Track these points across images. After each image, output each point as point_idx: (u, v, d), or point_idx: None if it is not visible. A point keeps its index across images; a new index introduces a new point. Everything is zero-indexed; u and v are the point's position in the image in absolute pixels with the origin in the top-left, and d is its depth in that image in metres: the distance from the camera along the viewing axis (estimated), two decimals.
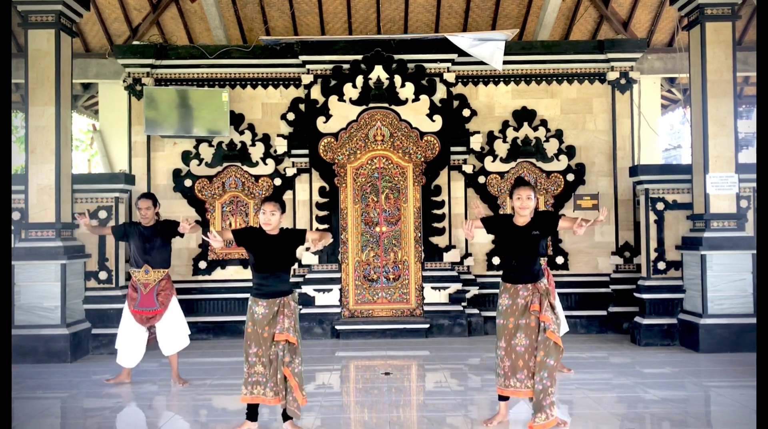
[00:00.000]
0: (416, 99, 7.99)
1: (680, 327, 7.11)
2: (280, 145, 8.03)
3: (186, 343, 5.81)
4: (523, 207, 4.30)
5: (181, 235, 5.75)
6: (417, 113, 7.97)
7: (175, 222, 5.72)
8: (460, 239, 8.09)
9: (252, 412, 4.31)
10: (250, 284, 7.94)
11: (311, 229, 7.98)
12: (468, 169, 8.08)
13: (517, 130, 8.20)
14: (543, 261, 5.64)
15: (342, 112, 7.99)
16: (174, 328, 5.72)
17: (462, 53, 7.94)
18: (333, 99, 8.00)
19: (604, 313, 7.97)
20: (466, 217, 8.10)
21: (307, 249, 7.56)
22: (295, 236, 4.43)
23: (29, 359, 6.52)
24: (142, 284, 5.63)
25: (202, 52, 8.14)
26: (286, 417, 4.26)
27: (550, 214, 4.47)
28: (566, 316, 7.96)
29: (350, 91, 8.01)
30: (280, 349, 4.13)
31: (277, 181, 8.13)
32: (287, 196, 8.14)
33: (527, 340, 4.20)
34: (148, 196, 5.84)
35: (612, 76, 8.15)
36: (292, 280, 7.91)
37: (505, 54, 7.88)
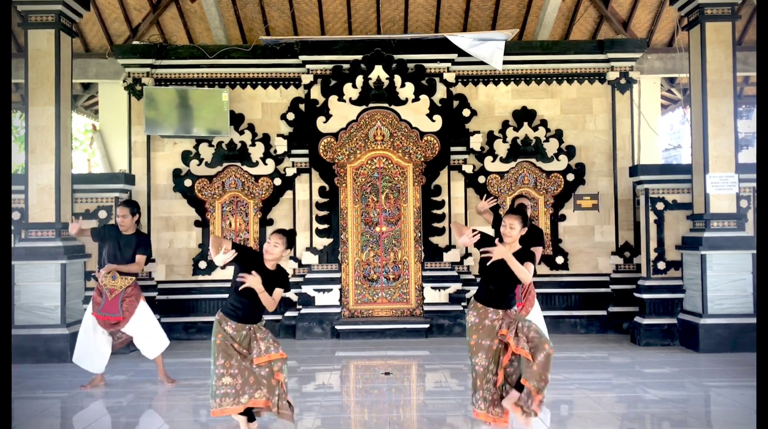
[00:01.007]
0: (416, 99, 7.99)
1: (680, 327, 7.11)
2: (280, 145, 8.03)
3: (165, 343, 5.74)
4: (505, 234, 4.17)
5: (149, 256, 5.73)
6: (417, 113, 7.97)
7: (148, 241, 5.77)
8: None
9: (246, 412, 4.21)
10: None
11: (311, 229, 7.98)
12: (468, 169, 8.08)
13: (517, 130, 8.20)
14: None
15: (342, 112, 7.99)
16: (148, 332, 5.64)
17: (462, 53, 7.93)
18: (333, 99, 8.00)
19: (604, 313, 7.97)
20: (466, 218, 8.10)
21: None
22: (281, 282, 4.22)
23: (29, 359, 6.52)
24: (108, 289, 5.51)
25: (202, 52, 8.13)
26: (252, 418, 4.19)
27: (526, 251, 4.22)
28: (566, 316, 8.01)
29: (350, 91, 8.01)
30: (263, 369, 4.07)
31: (277, 181, 8.13)
32: (287, 195, 8.15)
33: (486, 362, 4.07)
34: (127, 203, 5.74)
35: (612, 76, 8.15)
36: (292, 280, 7.94)
37: (505, 54, 7.88)
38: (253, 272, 4.08)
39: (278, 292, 4.19)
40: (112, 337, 5.65)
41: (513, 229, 4.15)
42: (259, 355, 4.08)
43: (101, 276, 5.53)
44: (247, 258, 4.18)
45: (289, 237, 4.25)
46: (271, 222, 8.09)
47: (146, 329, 5.64)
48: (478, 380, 4.11)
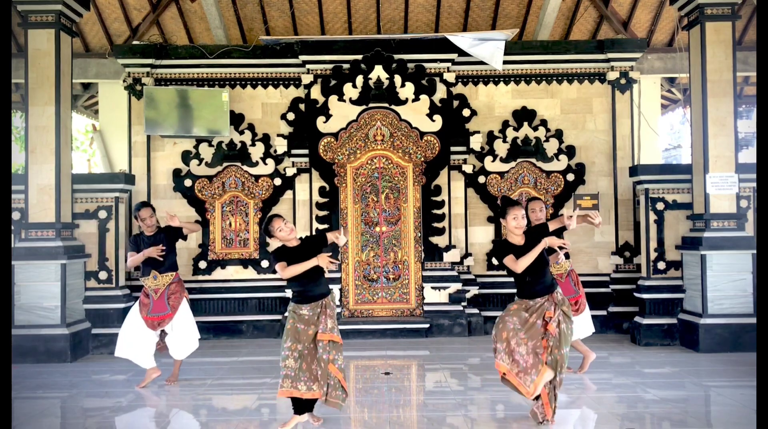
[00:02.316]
0: (416, 99, 7.99)
1: (680, 327, 7.11)
2: (280, 145, 8.03)
3: (195, 346, 5.80)
4: (519, 226, 4.35)
5: (184, 238, 5.76)
6: (417, 113, 7.97)
7: (178, 228, 5.74)
8: (459, 239, 8.09)
9: (298, 406, 4.37)
10: (249, 284, 8.03)
11: (311, 229, 7.98)
12: (468, 169, 8.08)
13: (517, 130, 8.20)
14: (568, 262, 5.73)
15: (342, 112, 7.99)
16: (185, 332, 5.69)
17: (462, 53, 7.93)
18: (333, 99, 8.00)
19: (604, 313, 7.96)
20: (466, 217, 8.10)
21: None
22: (318, 240, 4.53)
23: (29, 359, 6.53)
24: (152, 290, 5.59)
25: (202, 52, 8.14)
26: (308, 408, 4.38)
27: (539, 226, 4.51)
28: None
29: (350, 91, 8.01)
30: (321, 347, 4.25)
31: (277, 181, 8.13)
32: (287, 195, 8.15)
33: (520, 325, 4.29)
34: (147, 204, 5.82)
35: (612, 76, 8.16)
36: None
37: (505, 54, 7.88)
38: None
39: (329, 238, 4.51)
40: (159, 338, 5.69)
41: (524, 219, 4.40)
42: (324, 331, 4.27)
43: (176, 223, 5.66)
44: (284, 254, 4.41)
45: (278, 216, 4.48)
46: None
47: (185, 328, 5.68)
48: (504, 333, 4.30)
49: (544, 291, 4.33)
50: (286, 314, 4.49)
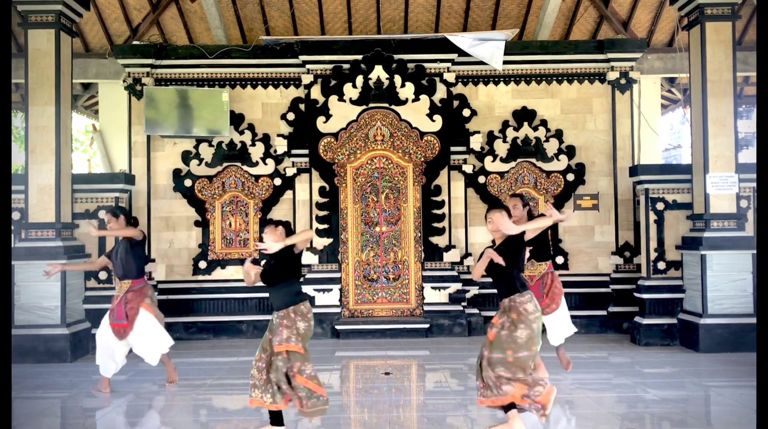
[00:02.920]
0: (416, 99, 7.99)
1: (680, 327, 7.11)
2: (280, 145, 8.03)
3: (168, 343, 5.56)
4: (491, 230, 4.33)
5: (141, 246, 5.56)
6: (417, 113, 7.97)
7: (129, 236, 5.49)
8: (460, 239, 8.09)
9: (274, 418, 4.25)
10: None
11: (311, 229, 7.97)
12: (468, 169, 8.08)
13: (517, 130, 8.20)
14: (548, 264, 5.64)
15: (342, 112, 7.99)
16: (147, 342, 5.45)
17: (462, 53, 7.93)
18: (333, 99, 8.00)
19: (604, 313, 7.97)
20: (466, 218, 8.10)
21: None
22: (282, 252, 4.28)
23: (29, 359, 6.53)
24: (115, 296, 5.48)
25: (202, 52, 8.13)
26: (280, 422, 4.22)
27: (513, 236, 4.28)
28: None
29: (350, 91, 8.01)
30: (281, 360, 4.11)
31: (277, 181, 8.13)
32: (287, 195, 8.15)
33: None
34: (110, 211, 5.64)
35: (612, 76, 8.15)
36: None
37: (505, 54, 7.88)
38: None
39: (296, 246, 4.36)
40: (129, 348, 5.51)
41: (491, 224, 4.31)
42: (280, 343, 4.12)
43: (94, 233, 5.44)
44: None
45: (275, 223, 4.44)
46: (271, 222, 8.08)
47: (146, 338, 5.44)
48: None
49: (500, 297, 4.28)
50: None
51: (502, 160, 8.16)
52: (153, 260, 7.96)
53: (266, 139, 8.20)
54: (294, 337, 4.13)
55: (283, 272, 4.26)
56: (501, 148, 8.17)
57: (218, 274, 8.05)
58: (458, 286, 7.82)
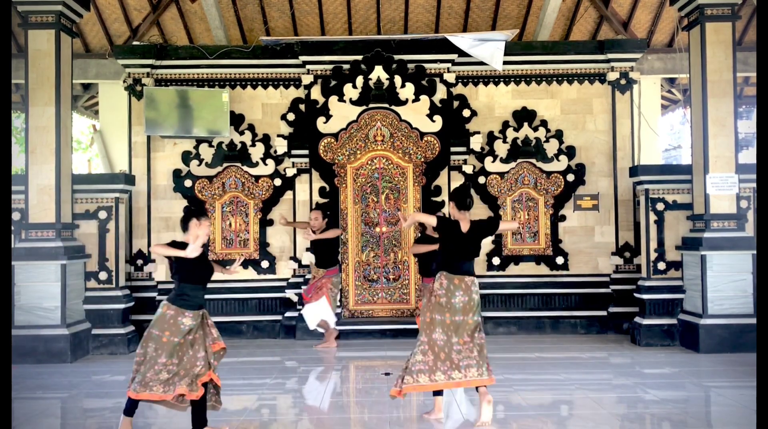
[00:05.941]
0: (416, 99, 7.99)
1: (680, 327, 7.11)
2: (280, 146, 8.04)
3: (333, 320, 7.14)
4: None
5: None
6: (417, 113, 7.97)
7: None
8: None
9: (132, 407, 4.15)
10: (250, 284, 8.03)
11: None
12: (468, 169, 8.07)
13: (517, 130, 8.20)
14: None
15: (342, 113, 7.99)
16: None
17: (462, 54, 7.93)
18: (333, 99, 8.00)
19: (604, 313, 7.96)
20: None
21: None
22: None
23: (29, 359, 6.52)
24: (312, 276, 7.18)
25: (202, 53, 8.14)
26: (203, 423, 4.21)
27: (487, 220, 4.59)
28: (566, 316, 7.99)
29: (350, 92, 8.01)
30: (212, 357, 4.16)
31: (277, 182, 8.13)
32: (287, 196, 8.15)
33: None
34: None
35: (612, 76, 8.16)
36: (292, 280, 7.95)
37: (505, 54, 7.88)
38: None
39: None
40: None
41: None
42: (214, 342, 4.21)
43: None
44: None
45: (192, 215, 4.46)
46: (271, 222, 8.09)
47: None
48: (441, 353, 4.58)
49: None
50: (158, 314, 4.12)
51: (502, 161, 8.16)
52: (153, 261, 7.96)
53: (266, 140, 8.20)
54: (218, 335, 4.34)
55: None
56: (501, 148, 8.17)
57: (217, 274, 7.98)
58: None
